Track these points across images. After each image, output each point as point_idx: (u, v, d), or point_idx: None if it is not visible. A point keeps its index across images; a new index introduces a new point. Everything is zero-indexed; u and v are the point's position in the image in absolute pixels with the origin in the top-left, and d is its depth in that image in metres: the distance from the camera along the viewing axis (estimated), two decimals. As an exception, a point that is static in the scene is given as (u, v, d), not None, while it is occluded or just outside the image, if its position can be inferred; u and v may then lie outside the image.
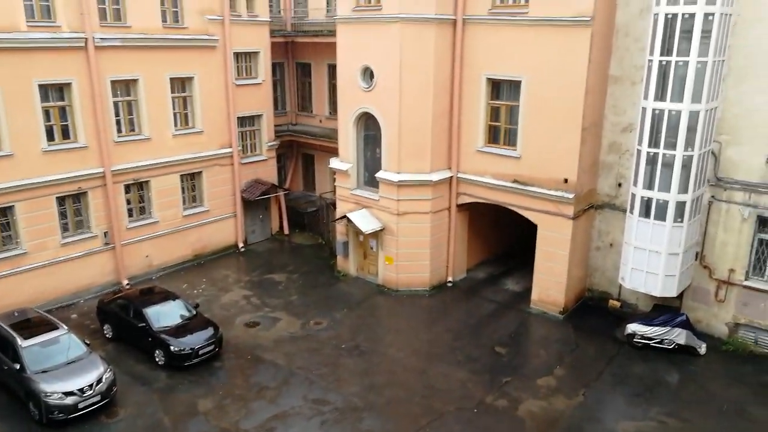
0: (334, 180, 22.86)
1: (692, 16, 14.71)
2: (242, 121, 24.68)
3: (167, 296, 17.70)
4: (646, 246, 16.72)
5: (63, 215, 19.67)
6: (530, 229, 19.71)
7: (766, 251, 16.82)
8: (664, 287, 16.80)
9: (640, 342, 17.16)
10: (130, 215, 21.47)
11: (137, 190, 21.56)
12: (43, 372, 14.02)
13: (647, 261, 16.77)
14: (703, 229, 17.38)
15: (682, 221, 16.21)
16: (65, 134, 19.32)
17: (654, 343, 17.01)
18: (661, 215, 16.29)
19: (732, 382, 15.57)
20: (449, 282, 21.73)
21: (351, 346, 17.43)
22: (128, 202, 21.31)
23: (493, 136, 19.94)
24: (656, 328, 16.95)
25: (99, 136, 19.73)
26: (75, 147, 19.38)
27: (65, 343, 14.86)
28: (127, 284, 21.03)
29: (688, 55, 14.95)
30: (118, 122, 20.54)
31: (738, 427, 13.04)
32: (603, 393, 15.19)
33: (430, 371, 16.12)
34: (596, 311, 19.46)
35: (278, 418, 13.95)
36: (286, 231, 26.69)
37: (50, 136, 18.92)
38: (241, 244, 24.90)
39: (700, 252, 17.58)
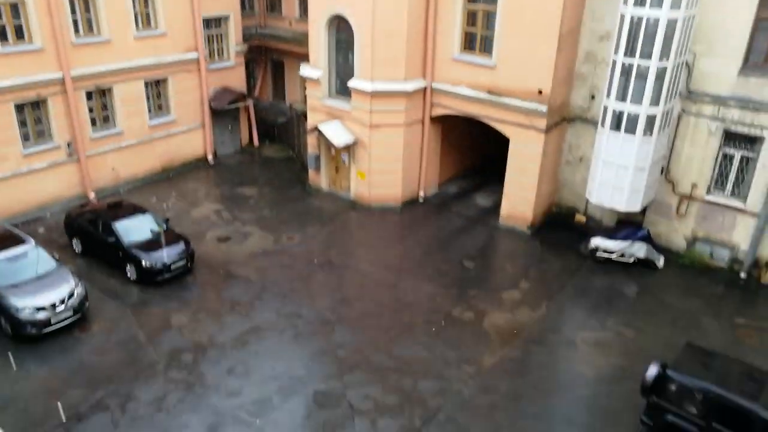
0: (305, 89, 22.17)
1: None
2: (208, 23, 23.40)
3: (136, 210, 17.48)
4: (615, 160, 16.91)
5: (23, 124, 18.89)
6: (502, 144, 19.66)
7: (729, 166, 17.17)
8: (629, 202, 17.20)
9: (602, 256, 17.76)
10: (94, 125, 20.71)
11: (100, 98, 20.67)
12: (13, 287, 13.97)
13: (615, 176, 17.02)
14: (670, 143, 17.56)
15: (651, 134, 16.34)
16: (19, 34, 18.12)
17: (615, 257, 17.62)
18: (631, 128, 16.37)
19: (686, 294, 16.40)
20: (421, 197, 21.85)
21: (323, 261, 17.69)
22: (91, 110, 20.48)
23: (470, 42, 19.32)
24: (618, 242, 17.51)
25: (56, 38, 18.55)
26: (30, 49, 18.25)
27: (33, 257, 14.72)
28: (95, 197, 20.67)
29: (669, -40, 14.39)
30: (75, 22, 19.30)
31: (689, 335, 13.84)
32: (565, 305, 15.90)
33: (400, 285, 16.57)
34: (563, 226, 19.92)
35: (252, 332, 14.35)
36: (256, 143, 26.15)
37: (3, 36, 17.74)
38: (210, 157, 24.41)
39: (665, 166, 17.87)
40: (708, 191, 17.59)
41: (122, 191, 21.37)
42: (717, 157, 17.19)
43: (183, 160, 23.63)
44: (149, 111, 22.17)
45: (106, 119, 21.08)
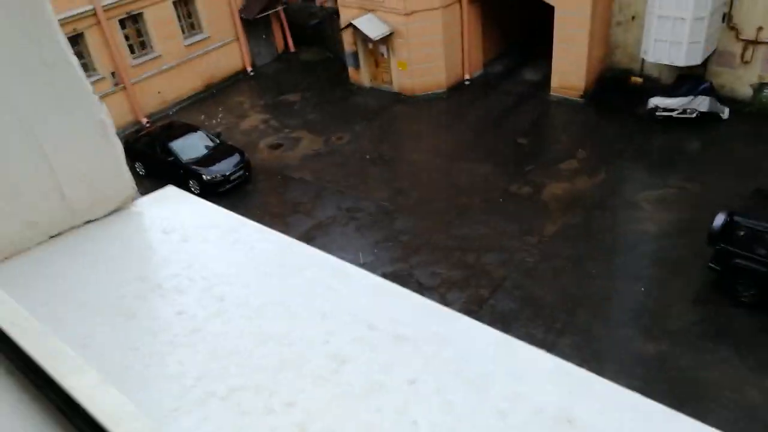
0: (334, -15, 21.46)
1: None
2: (227, -70, 22.63)
3: (189, 129, 17.93)
4: (671, 13, 15.87)
5: (66, 61, 19.31)
6: (547, 13, 18.63)
7: (799, 1, 15.83)
8: (688, 56, 16.28)
9: (662, 115, 16.97)
10: (133, 52, 20.93)
11: (133, 24, 20.72)
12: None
13: (672, 30, 16.03)
14: (732, -14, 16.24)
15: (710, -20, 15.17)
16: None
17: (676, 114, 16.83)
18: (689, -24, 15.25)
19: (753, 142, 15.70)
20: (466, 80, 21.25)
21: (375, 156, 17.81)
22: (127, 38, 20.63)
23: None
24: (679, 98, 16.68)
25: (79, -31, 18.49)
26: (57, -15, 18.31)
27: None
28: (147, 122, 21.22)
29: None
30: (96, -49, 19.11)
31: (757, 182, 13.29)
32: (624, 169, 15.59)
33: (453, 170, 16.58)
34: (617, 90, 19.01)
35: (317, 228, 14.89)
36: (292, 48, 25.79)
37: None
38: (249, 68, 24.35)
39: (727, 13, 16.61)
40: (775, 33, 16.36)
41: (171, 113, 21.81)
42: (785, -6, 15.85)
43: (223, 75, 23.67)
44: (183, 31, 22.09)
45: (143, 45, 21.20)
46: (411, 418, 0.93)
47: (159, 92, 21.76)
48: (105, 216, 1.46)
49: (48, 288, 1.25)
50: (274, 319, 1.15)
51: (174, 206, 1.54)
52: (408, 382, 0.99)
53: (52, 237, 1.39)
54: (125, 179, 1.49)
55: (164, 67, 21.69)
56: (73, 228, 1.42)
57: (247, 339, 1.11)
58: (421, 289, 12.40)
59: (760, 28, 16.41)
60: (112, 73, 20.25)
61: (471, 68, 21.22)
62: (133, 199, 1.52)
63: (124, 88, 20.64)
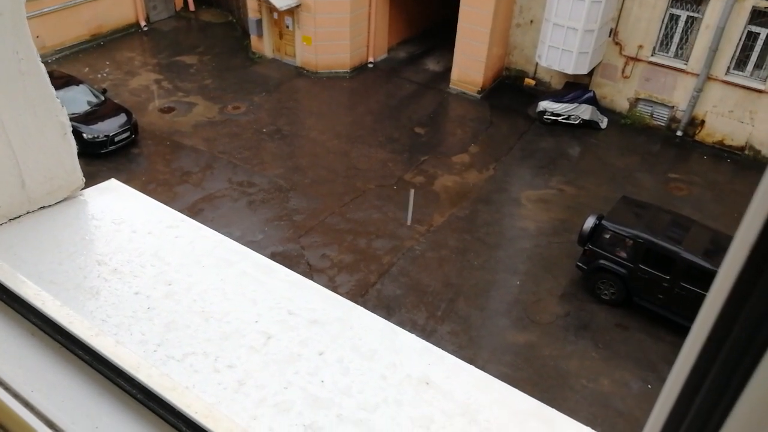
0: (242, -53, 20.50)
1: None
2: None
3: (70, 81, 16.46)
4: (565, 23, 16.81)
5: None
6: (453, 5, 19.05)
7: (674, 27, 17.35)
8: (576, 65, 17.35)
9: (549, 118, 18.08)
10: (7, -12, 18.81)
11: (9, -43, 18.60)
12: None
13: (564, 38, 17.00)
14: (619, 4, 17.46)
15: (601, -4, 16.23)
16: None
17: (562, 119, 18.00)
18: (582, -11, 16.22)
19: (625, 153, 17.16)
20: (370, 63, 21.29)
21: (272, 130, 17.43)
22: (1, -29, 18.50)
23: None
24: (565, 104, 17.81)
25: None
26: None
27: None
28: (21, 69, 19.25)
29: None
30: None
31: (626, 190, 14.67)
32: (511, 166, 16.44)
33: (351, 153, 16.64)
34: (512, 90, 20.00)
35: (205, 201, 14.38)
36: (192, 7, 24.40)
37: None
38: (143, 23, 22.75)
39: (613, 28, 17.89)
40: (653, 52, 17.84)
41: (50, 61, 19.91)
42: (664, 18, 17.29)
43: (113, 26, 21.95)
44: (69, -28, 20.21)
45: (21, -19, 19.13)
46: (320, 379, 1.25)
47: (38, 37, 19.73)
48: (56, 203, 1.69)
49: (18, 265, 1.42)
50: (214, 302, 1.41)
51: (119, 199, 1.74)
52: (318, 353, 1.30)
53: (11, 219, 1.61)
54: (76, 171, 1.70)
55: (45, 9, 19.69)
56: (29, 213, 1.64)
57: (194, 316, 1.37)
58: (311, 270, 12.43)
59: (640, 47, 17.85)
60: (-19, 9, 18.10)
61: (375, 51, 21.26)
62: (81, 189, 1.73)
63: (-5, 27, 18.54)
